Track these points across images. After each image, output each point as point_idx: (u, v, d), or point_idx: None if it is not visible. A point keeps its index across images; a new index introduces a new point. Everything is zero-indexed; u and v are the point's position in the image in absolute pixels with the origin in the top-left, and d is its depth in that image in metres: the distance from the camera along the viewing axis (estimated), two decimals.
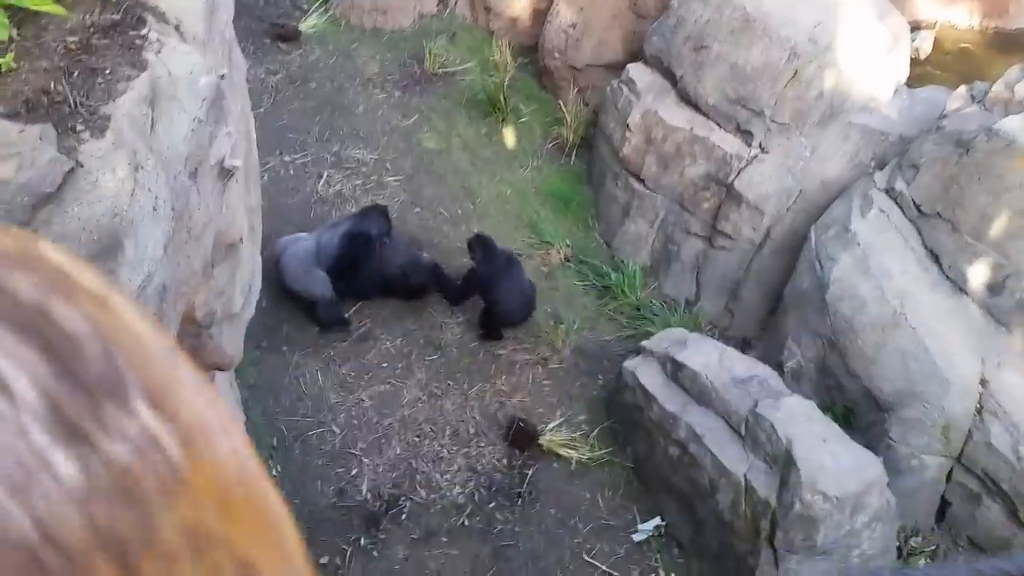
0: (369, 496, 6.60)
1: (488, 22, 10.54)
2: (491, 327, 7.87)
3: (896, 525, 6.54)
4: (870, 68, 8.13)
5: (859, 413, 7.11)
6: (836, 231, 7.56)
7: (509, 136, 9.61)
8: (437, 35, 10.12)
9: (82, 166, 3.49)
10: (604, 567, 6.55)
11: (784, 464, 6.27)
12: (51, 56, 3.90)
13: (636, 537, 6.79)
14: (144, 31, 4.14)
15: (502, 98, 9.60)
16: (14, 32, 3.71)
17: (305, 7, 10.17)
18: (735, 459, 6.51)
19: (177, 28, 4.29)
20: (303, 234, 7.73)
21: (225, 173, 4.47)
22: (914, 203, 7.54)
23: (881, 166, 7.89)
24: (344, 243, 7.45)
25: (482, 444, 7.11)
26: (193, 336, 4.50)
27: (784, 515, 6.17)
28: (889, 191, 7.60)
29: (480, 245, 7.78)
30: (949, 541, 6.80)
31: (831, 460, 6.29)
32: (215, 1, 4.64)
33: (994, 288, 7.18)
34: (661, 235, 8.82)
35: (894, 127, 8.07)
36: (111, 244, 3.42)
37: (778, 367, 7.43)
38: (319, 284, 7.40)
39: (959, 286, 7.26)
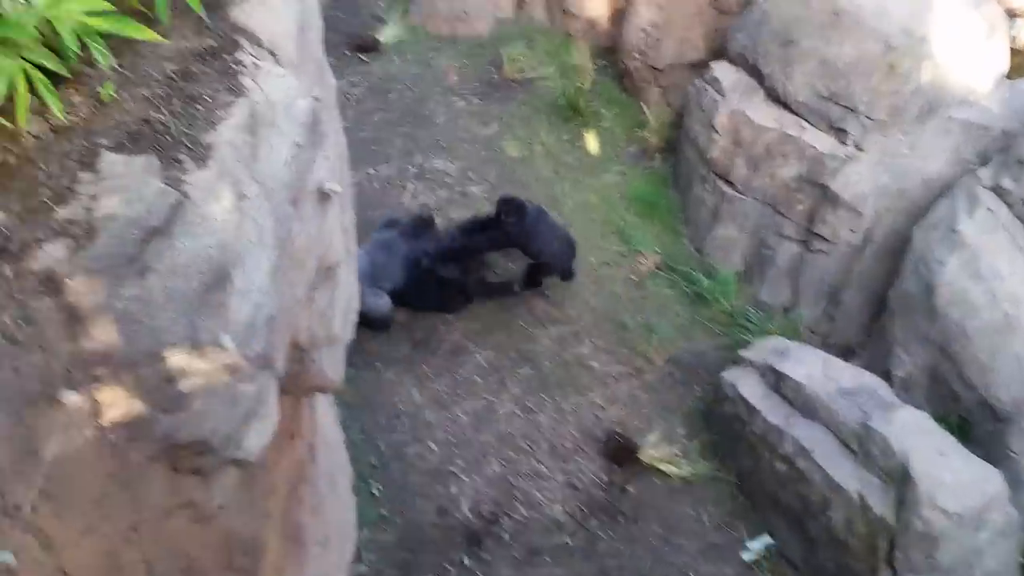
0: (470, 514, 6.50)
1: (565, 24, 10.36)
2: (535, 278, 8.00)
3: (1019, 540, 6.21)
4: (968, 59, 7.77)
5: (975, 423, 6.77)
6: (942, 232, 7.23)
7: (591, 141, 9.43)
8: (514, 40, 9.98)
9: (188, 198, 3.43)
10: None
11: (900, 479, 5.98)
12: (150, 84, 3.84)
13: (745, 556, 6.57)
14: (240, 55, 4.06)
15: (583, 102, 9.43)
16: (113, 61, 3.64)
17: (383, 17, 10.13)
18: (847, 475, 6.25)
19: (272, 52, 4.21)
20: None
21: (324, 197, 4.39)
22: (1022, 201, 7.18)
23: (984, 162, 7.53)
24: (410, 273, 7.54)
25: (580, 459, 6.96)
26: (296, 361, 4.44)
27: (903, 533, 5.89)
28: (996, 188, 7.24)
29: (509, 205, 7.68)
30: None
31: (950, 474, 5.99)
32: (306, 20, 4.56)
33: None
34: (754, 239, 8.56)
35: (996, 121, 7.69)
36: (220, 276, 3.35)
37: (885, 375, 7.13)
38: (383, 307, 7.39)
39: None
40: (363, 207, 8.41)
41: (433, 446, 6.83)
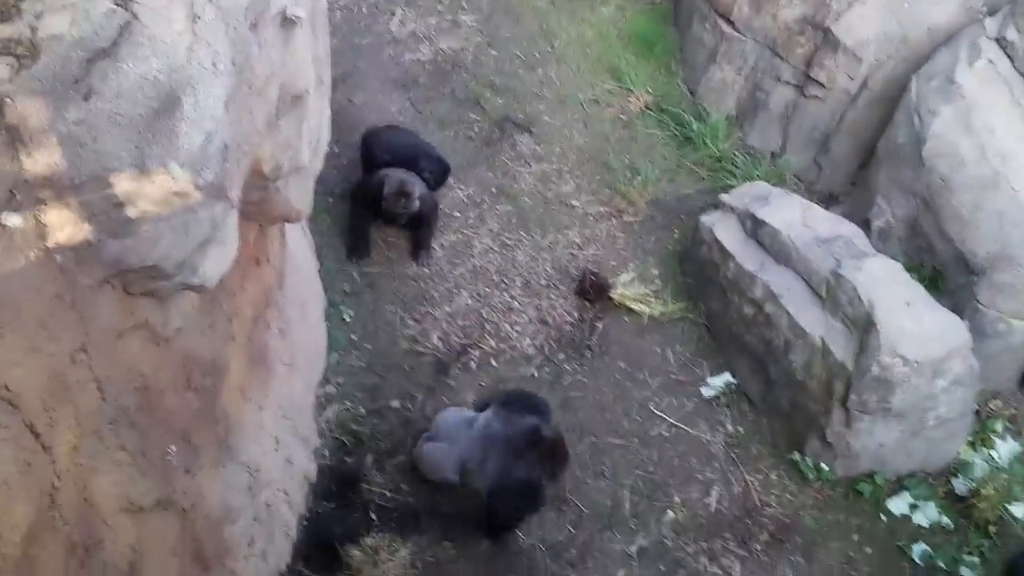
0: (439, 344, 6.66)
1: None
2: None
3: (977, 389, 6.38)
4: None
5: (948, 276, 6.82)
6: (939, 82, 7.05)
7: None
8: None
9: (138, 19, 3.35)
10: (672, 419, 6.57)
11: (864, 327, 6.09)
12: None
13: (705, 392, 6.76)
14: None
15: None
16: None
17: None
18: (813, 320, 6.35)
19: None
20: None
21: (288, 23, 4.29)
22: None
23: (993, 12, 7.26)
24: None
25: (553, 296, 7.06)
26: (259, 189, 4.45)
27: (860, 377, 6.04)
28: (1000, 40, 7.01)
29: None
30: None
31: (914, 323, 6.09)
32: None
33: None
34: (749, 83, 8.37)
35: None
36: (170, 101, 3.32)
37: (865, 225, 7.13)
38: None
39: None
40: (350, 32, 8.24)
41: (407, 276, 6.91)
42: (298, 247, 6.13)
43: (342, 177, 7.37)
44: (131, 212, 3.33)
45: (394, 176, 6.80)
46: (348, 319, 6.61)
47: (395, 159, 6.98)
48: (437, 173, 7.21)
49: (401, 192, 6.73)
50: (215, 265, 3.86)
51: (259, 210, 4.62)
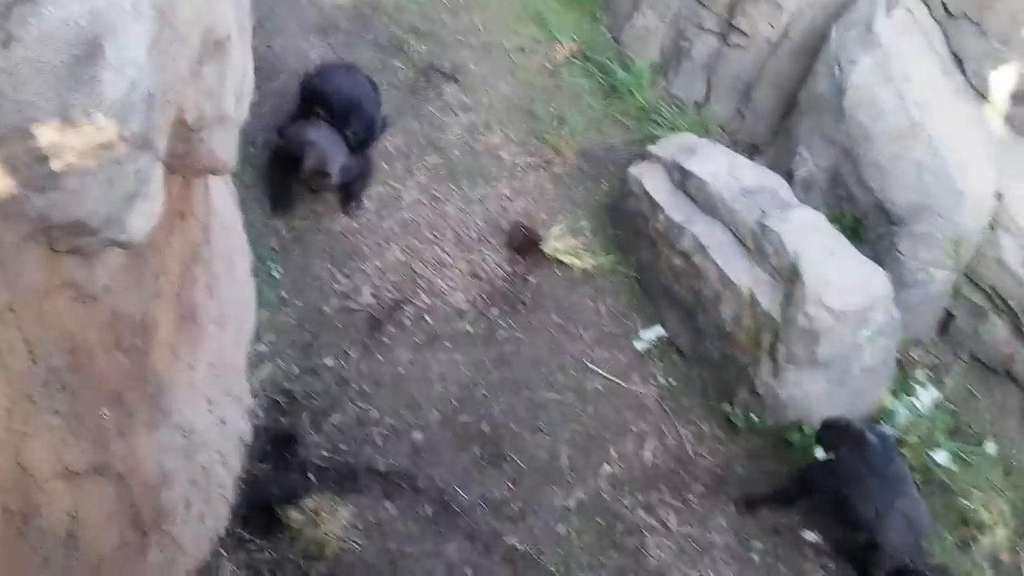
0: (372, 300, 6.53)
1: None
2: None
3: (898, 338, 6.56)
4: None
5: (869, 225, 6.98)
6: (858, 31, 7.15)
7: None
8: None
9: None
10: (605, 373, 6.60)
11: (790, 277, 6.19)
12: None
13: (637, 345, 6.81)
14: None
15: None
16: None
17: None
18: (740, 271, 6.43)
19: None
20: None
21: None
22: (942, 2, 7.12)
23: None
24: None
25: (484, 250, 6.99)
26: (183, 141, 4.26)
27: (787, 328, 6.15)
28: None
29: (841, 433, 5.90)
30: (950, 355, 6.86)
31: (837, 274, 6.22)
32: None
33: (1018, 97, 6.92)
34: (672, 31, 8.35)
35: None
36: (91, 47, 3.13)
37: (788, 175, 7.23)
38: None
39: (981, 94, 6.98)
40: None
41: (336, 230, 6.75)
42: (222, 200, 5.90)
43: (263, 126, 7.13)
44: (55, 165, 3.15)
45: (314, 150, 6.45)
46: (277, 275, 6.42)
47: (331, 111, 6.65)
48: (363, 134, 6.82)
49: (317, 172, 6.43)
50: (142, 220, 3.69)
51: (183, 162, 4.42)
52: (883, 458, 5.74)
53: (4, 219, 3.15)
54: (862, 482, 5.64)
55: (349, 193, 6.81)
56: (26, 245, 3.27)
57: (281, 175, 6.71)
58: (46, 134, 3.10)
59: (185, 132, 4.16)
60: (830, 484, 5.79)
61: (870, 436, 5.76)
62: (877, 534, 5.64)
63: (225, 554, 5.25)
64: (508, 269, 6.95)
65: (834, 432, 5.87)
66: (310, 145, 6.46)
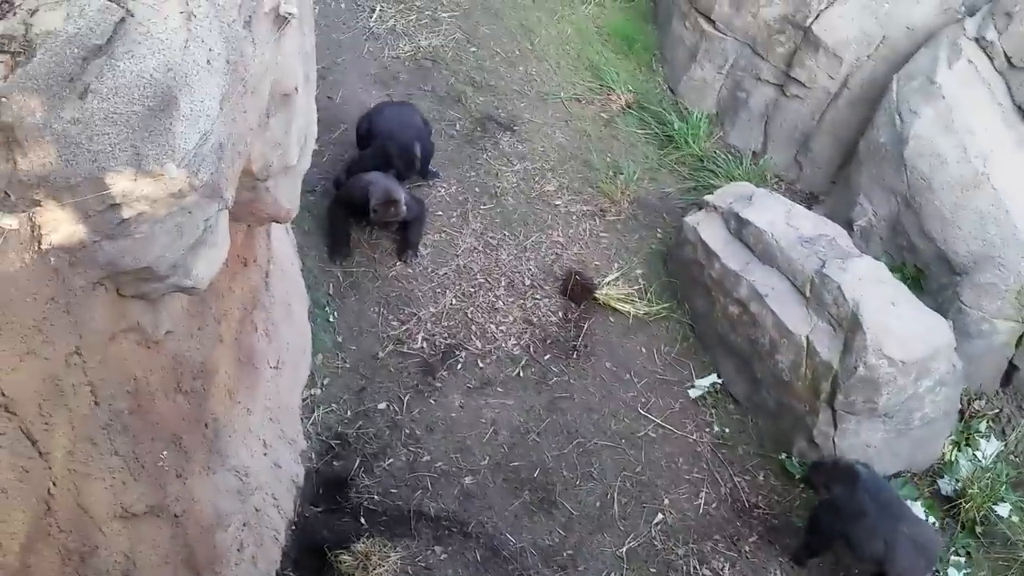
0: (425, 345, 6.58)
1: None
2: None
3: (960, 389, 6.43)
4: None
5: (931, 276, 6.87)
6: (920, 83, 7.11)
7: None
8: None
9: (133, 15, 3.27)
10: (659, 420, 6.55)
11: (850, 327, 6.11)
12: None
13: (692, 393, 6.75)
14: None
15: None
16: None
17: None
18: (798, 320, 6.36)
19: None
20: None
21: (281, 20, 4.20)
22: (1005, 54, 7.05)
23: (972, 12, 7.33)
24: None
25: (538, 296, 7.01)
26: (249, 189, 4.37)
27: (846, 378, 6.06)
28: (979, 40, 7.09)
29: (831, 472, 5.84)
30: (1013, 406, 6.70)
31: (899, 324, 6.12)
32: None
33: None
34: (730, 81, 8.39)
35: None
36: (166, 100, 3.24)
37: (847, 225, 7.17)
38: None
39: None
40: (328, 28, 8.13)
41: (391, 276, 6.83)
42: (282, 247, 6.04)
43: (322, 175, 7.28)
44: (126, 213, 3.25)
45: (379, 185, 6.69)
46: (332, 320, 6.52)
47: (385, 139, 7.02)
48: (407, 160, 7.10)
49: (389, 201, 6.62)
50: (207, 266, 3.78)
51: (248, 210, 4.54)
52: (876, 487, 5.70)
53: (74, 265, 3.25)
54: (864, 516, 5.58)
55: (406, 241, 6.91)
56: (94, 291, 3.37)
57: (340, 223, 6.86)
58: (119, 183, 3.20)
59: (251, 181, 4.27)
60: (835, 525, 5.70)
61: (859, 468, 5.73)
62: (888, 565, 5.57)
63: None
64: (561, 315, 6.96)
65: (824, 472, 5.83)
66: (373, 184, 6.70)
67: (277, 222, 4.94)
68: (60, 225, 3.15)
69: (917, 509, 6.27)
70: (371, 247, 6.96)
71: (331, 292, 6.63)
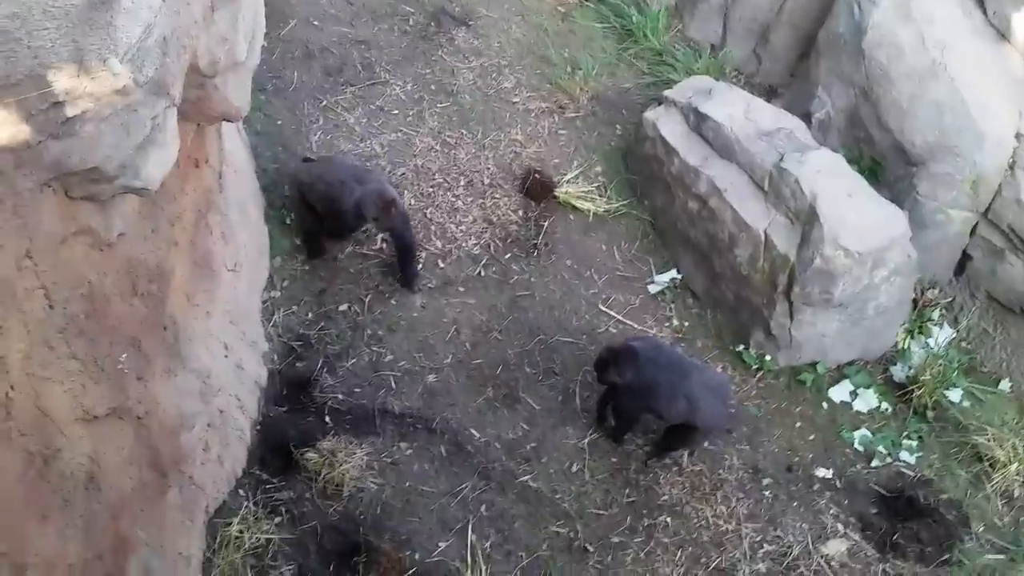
0: (384, 246, 6.53)
1: None
2: (678, 446, 6.01)
3: (915, 278, 6.53)
4: None
5: (887, 167, 6.90)
6: None
7: None
8: None
9: None
10: (619, 316, 6.61)
11: (807, 219, 6.16)
12: None
13: (651, 288, 6.81)
14: None
15: None
16: None
17: None
18: (756, 214, 6.39)
19: None
20: None
21: None
22: None
23: None
24: None
25: (497, 195, 6.97)
26: (197, 87, 4.24)
27: (803, 269, 6.14)
28: None
29: (620, 360, 5.71)
30: (966, 294, 6.81)
31: (855, 215, 6.18)
32: None
33: None
34: None
35: None
36: None
37: (805, 118, 7.14)
38: None
39: (1002, 34, 6.84)
40: None
41: None
42: (235, 147, 5.92)
43: (273, 73, 7.10)
44: (70, 111, 3.16)
45: (368, 188, 6.04)
46: (290, 222, 6.44)
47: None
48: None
49: (387, 203, 6.03)
50: (157, 167, 3.70)
51: (197, 109, 4.42)
52: (657, 355, 5.77)
53: (20, 166, 3.16)
54: (659, 386, 5.68)
55: (405, 257, 6.42)
56: (43, 193, 3.30)
57: (312, 229, 6.39)
58: (61, 80, 3.10)
59: (199, 78, 4.15)
60: (638, 404, 5.80)
61: (634, 345, 5.74)
62: (694, 416, 5.70)
63: (243, 494, 5.34)
64: (521, 214, 6.93)
65: (607, 364, 5.70)
66: (363, 196, 6.02)
67: (228, 121, 4.82)
68: (3, 125, 3.06)
69: (868, 396, 6.44)
70: (329, 139, 6.83)
71: (287, 194, 6.53)
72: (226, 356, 5.17)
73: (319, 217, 6.22)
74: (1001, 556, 5.81)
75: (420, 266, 6.49)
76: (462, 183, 6.98)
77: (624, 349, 5.71)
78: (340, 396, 5.85)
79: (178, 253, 4.56)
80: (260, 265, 6.03)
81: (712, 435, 5.98)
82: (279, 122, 6.90)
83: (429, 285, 6.44)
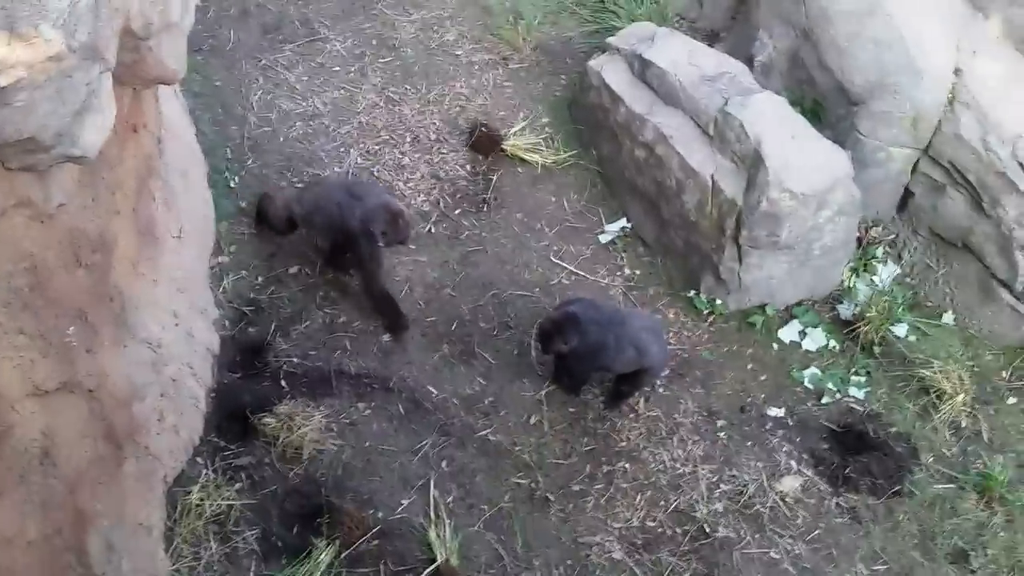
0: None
1: None
2: (630, 392, 6.06)
3: (858, 217, 6.63)
4: None
5: (829, 108, 6.95)
6: None
7: None
8: None
9: None
10: (571, 267, 6.62)
11: (752, 163, 6.21)
12: None
13: (602, 238, 6.83)
14: None
15: None
16: None
17: None
18: (703, 159, 6.43)
19: None
20: None
21: None
22: None
23: None
24: None
25: (444, 151, 6.91)
26: (131, 50, 4.13)
27: (750, 213, 6.20)
28: None
29: (563, 328, 5.72)
30: (909, 231, 6.93)
31: (799, 157, 6.24)
32: None
33: None
34: None
35: None
36: None
37: (748, 61, 7.15)
38: None
39: None
40: None
41: (291, 138, 6.63)
42: (173, 112, 5.79)
43: (209, 33, 6.94)
44: (3, 81, 3.06)
45: (373, 209, 5.85)
46: (234, 185, 6.34)
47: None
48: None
49: (395, 215, 5.90)
50: (94, 133, 3.61)
51: (132, 72, 4.31)
52: (596, 314, 5.81)
53: None
54: (607, 344, 5.71)
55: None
56: None
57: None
58: None
59: (133, 41, 4.04)
60: (591, 365, 5.86)
61: (572, 310, 5.77)
62: (643, 361, 5.81)
63: (201, 462, 5.30)
64: (469, 169, 6.89)
65: (551, 334, 5.73)
66: (368, 212, 5.84)
67: (164, 84, 4.71)
68: None
69: (817, 335, 6.56)
70: (267, 107, 6.71)
71: (229, 156, 6.42)
72: (176, 324, 5.10)
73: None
74: (951, 485, 5.97)
75: None
76: (408, 139, 6.92)
77: (564, 317, 5.74)
78: (295, 360, 5.81)
79: (120, 221, 4.47)
80: (206, 231, 5.93)
81: (659, 374, 6.07)
82: (217, 83, 6.76)
83: (380, 244, 6.38)
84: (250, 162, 6.52)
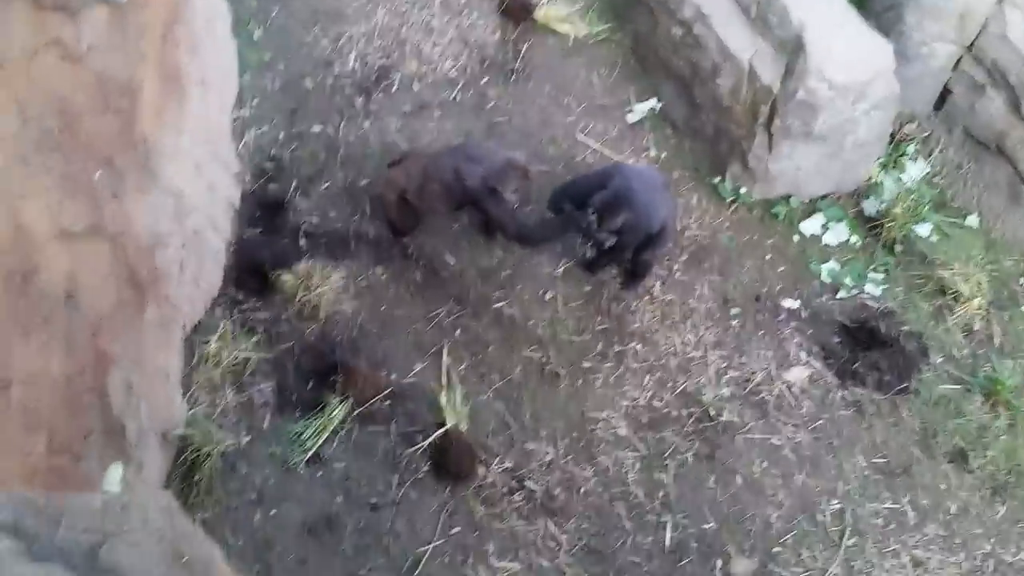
0: (357, 66, 6.33)
1: None
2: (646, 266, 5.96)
3: (894, 112, 6.48)
4: None
5: None
6: None
7: None
8: None
9: None
10: (596, 145, 6.52)
11: (793, 49, 6.02)
12: None
13: (630, 118, 6.69)
14: None
15: None
16: None
17: None
18: (741, 42, 6.24)
19: None
20: None
21: None
22: None
23: None
24: None
25: (474, 15, 6.70)
26: None
27: (785, 101, 6.06)
28: None
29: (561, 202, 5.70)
30: (943, 130, 6.80)
31: (842, 46, 6.05)
32: None
33: None
34: None
35: None
36: None
37: None
38: None
39: None
40: None
41: None
42: None
43: None
44: None
45: (500, 167, 5.59)
46: (258, 38, 6.18)
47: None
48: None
49: (514, 167, 5.65)
50: None
51: None
52: (632, 178, 5.66)
53: None
54: (638, 221, 5.60)
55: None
56: (11, 2, 3.12)
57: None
58: None
59: None
60: (629, 242, 5.73)
61: (618, 183, 5.60)
62: (657, 229, 5.70)
63: (220, 314, 5.35)
64: (499, 36, 6.71)
65: (606, 211, 5.57)
66: (465, 169, 5.56)
67: None
68: None
69: (839, 229, 6.50)
70: None
71: (254, 6, 6.23)
72: (198, 175, 5.06)
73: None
74: (957, 387, 6.02)
75: (396, 88, 6.30)
76: (437, 1, 6.71)
77: (614, 198, 5.54)
78: (314, 220, 5.78)
79: (147, 67, 4.38)
80: (229, 82, 5.82)
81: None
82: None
83: (404, 109, 6.28)
84: (275, 14, 6.34)
